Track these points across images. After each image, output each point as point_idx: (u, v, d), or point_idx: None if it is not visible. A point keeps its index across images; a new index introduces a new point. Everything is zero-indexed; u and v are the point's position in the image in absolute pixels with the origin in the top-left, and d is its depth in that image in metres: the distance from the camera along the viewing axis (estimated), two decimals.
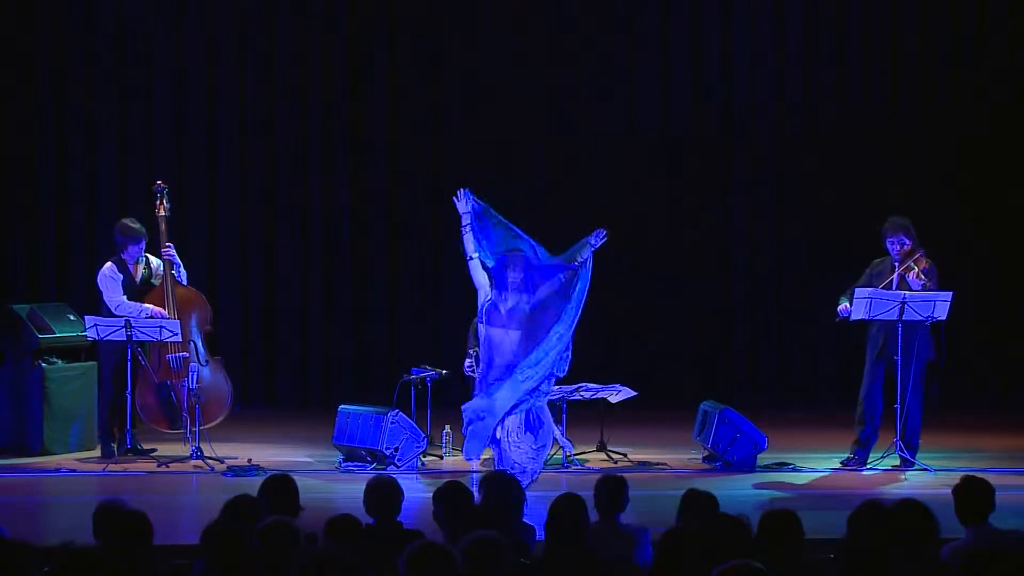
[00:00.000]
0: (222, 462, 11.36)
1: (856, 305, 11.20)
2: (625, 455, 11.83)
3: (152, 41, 14.98)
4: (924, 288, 11.22)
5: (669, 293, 15.35)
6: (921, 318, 11.20)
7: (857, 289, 11.28)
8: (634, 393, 11.87)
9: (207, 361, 12.03)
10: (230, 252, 15.20)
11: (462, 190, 10.36)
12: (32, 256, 14.99)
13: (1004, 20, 15.44)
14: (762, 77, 15.46)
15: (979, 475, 6.84)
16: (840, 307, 11.50)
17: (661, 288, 15.34)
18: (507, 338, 10.17)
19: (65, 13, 14.88)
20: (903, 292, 11.18)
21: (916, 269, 11.26)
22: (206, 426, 11.69)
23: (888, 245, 11.46)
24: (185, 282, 12.08)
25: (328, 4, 15.21)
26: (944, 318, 11.25)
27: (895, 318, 11.20)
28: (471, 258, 10.28)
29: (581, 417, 11.92)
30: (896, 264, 11.41)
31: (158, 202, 12.06)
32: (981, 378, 15.26)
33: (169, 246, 11.96)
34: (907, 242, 11.40)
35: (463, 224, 10.29)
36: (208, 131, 15.16)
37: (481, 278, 10.28)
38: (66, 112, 14.95)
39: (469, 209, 10.30)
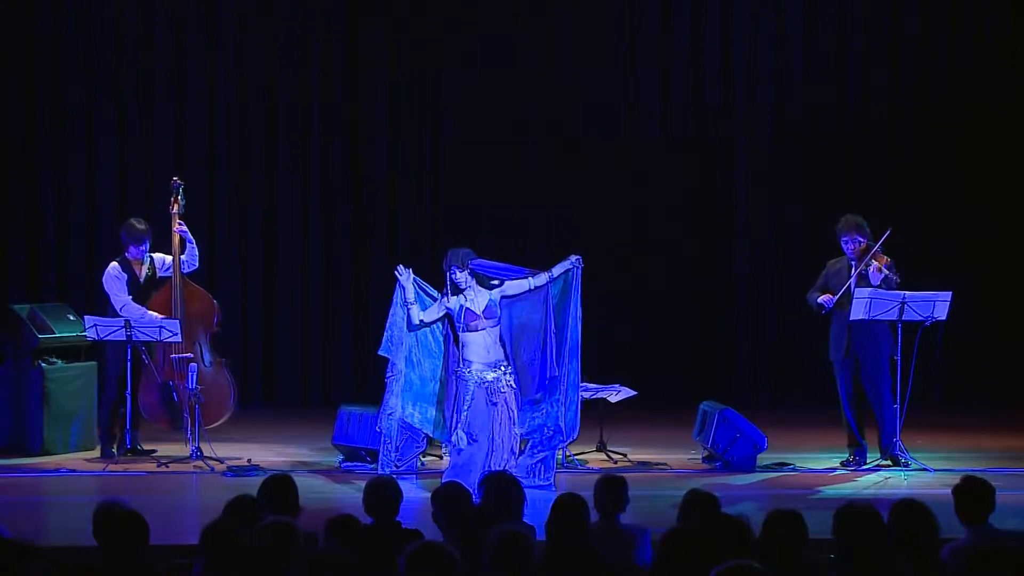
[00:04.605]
0: (222, 462, 11.36)
1: (856, 305, 11.17)
2: (625, 455, 11.83)
3: (152, 41, 14.98)
4: (885, 281, 11.18)
5: (669, 293, 15.35)
6: (921, 318, 11.19)
7: (856, 289, 11.25)
8: (634, 393, 11.87)
9: (211, 363, 12.02)
10: (229, 252, 15.19)
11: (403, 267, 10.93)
12: (32, 256, 15.00)
13: (1005, 18, 15.44)
14: (762, 77, 15.46)
15: (979, 475, 6.83)
16: (822, 298, 11.47)
17: (661, 288, 15.34)
18: (489, 335, 10.42)
19: (65, 13, 14.88)
20: (903, 292, 11.16)
21: (877, 264, 11.23)
22: (207, 427, 11.69)
23: (843, 244, 11.45)
24: (197, 263, 12.10)
25: (328, 4, 15.21)
26: (944, 318, 11.24)
27: (895, 318, 11.20)
28: (422, 320, 10.81)
29: (581, 417, 11.90)
30: (853, 263, 11.40)
31: (173, 198, 12.07)
32: (981, 378, 15.26)
33: (181, 224, 11.98)
34: (862, 240, 11.38)
35: (408, 301, 10.81)
36: (208, 131, 15.17)
37: (439, 310, 10.74)
38: (66, 112, 14.96)
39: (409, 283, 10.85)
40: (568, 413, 10.79)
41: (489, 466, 10.20)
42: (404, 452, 11.19)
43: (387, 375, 10.96)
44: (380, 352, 10.99)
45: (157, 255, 12.05)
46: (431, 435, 11.04)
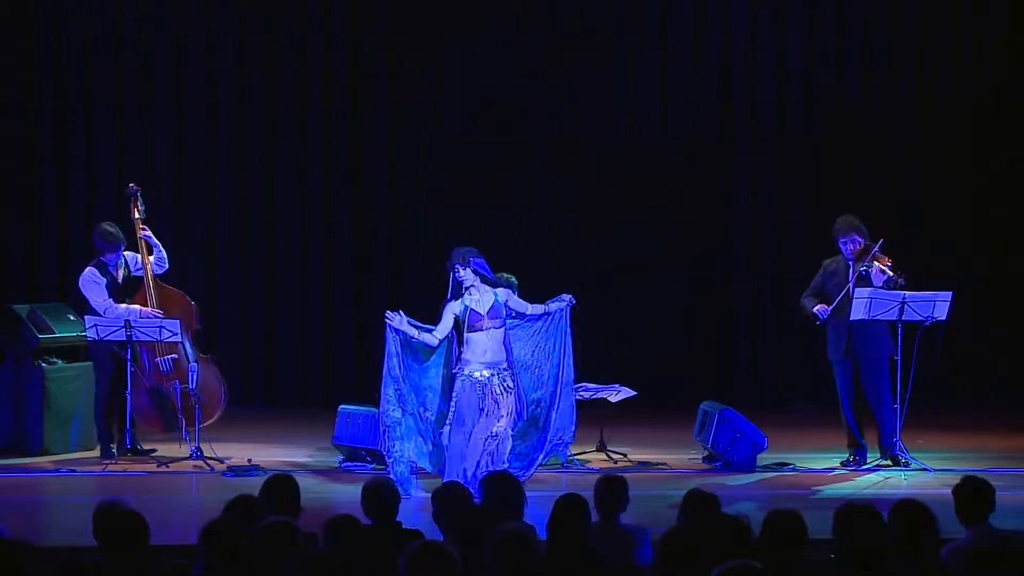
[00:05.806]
0: (222, 462, 11.36)
1: (855, 305, 11.17)
2: (625, 455, 11.83)
3: (152, 40, 14.98)
4: (888, 283, 11.17)
5: (669, 293, 15.35)
6: (921, 318, 11.19)
7: (856, 289, 11.25)
8: (634, 393, 11.87)
9: (196, 361, 12.02)
10: (230, 252, 15.20)
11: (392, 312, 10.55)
12: (32, 256, 14.99)
13: (1005, 18, 15.44)
14: (762, 77, 15.46)
15: (979, 475, 6.83)
16: (817, 308, 11.47)
17: (661, 288, 15.34)
18: (492, 337, 10.35)
19: (65, 13, 14.88)
20: (903, 292, 11.16)
21: (879, 265, 11.23)
22: (202, 425, 11.69)
23: (841, 245, 11.44)
24: (167, 265, 12.07)
25: (329, 4, 15.21)
26: (944, 318, 11.24)
27: (895, 318, 11.19)
28: (439, 339, 10.47)
29: (581, 417, 11.90)
30: (851, 264, 11.40)
31: (132, 205, 12.07)
32: (981, 378, 15.25)
33: (145, 228, 11.96)
34: (860, 240, 11.39)
35: (411, 336, 10.46)
36: (208, 131, 15.16)
37: (449, 319, 10.45)
38: (66, 112, 14.95)
39: (405, 325, 10.51)
40: (544, 451, 10.78)
41: (468, 460, 10.18)
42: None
43: (386, 424, 10.44)
44: (385, 416, 10.39)
45: (128, 253, 12.04)
46: (427, 469, 10.60)
